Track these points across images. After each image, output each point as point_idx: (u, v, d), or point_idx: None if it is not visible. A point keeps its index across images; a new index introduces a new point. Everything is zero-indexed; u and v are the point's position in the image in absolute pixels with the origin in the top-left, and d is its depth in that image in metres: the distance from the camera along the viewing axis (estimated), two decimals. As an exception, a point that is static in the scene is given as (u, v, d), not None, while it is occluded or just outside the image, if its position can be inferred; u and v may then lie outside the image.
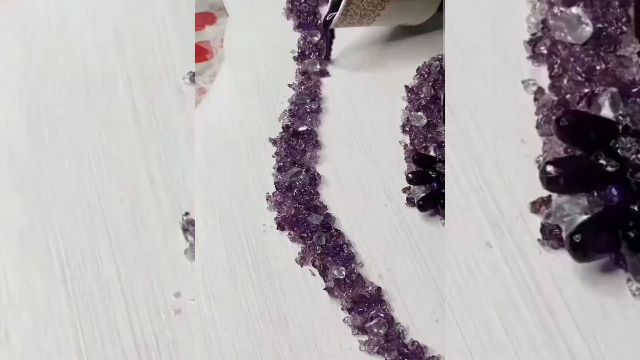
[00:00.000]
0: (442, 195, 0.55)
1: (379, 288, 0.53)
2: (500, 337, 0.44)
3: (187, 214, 0.56)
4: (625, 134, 0.44)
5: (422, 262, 0.55)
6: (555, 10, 0.51)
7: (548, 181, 0.44)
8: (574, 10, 0.49)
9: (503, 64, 0.54)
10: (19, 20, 0.67)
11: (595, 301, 0.44)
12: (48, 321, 0.51)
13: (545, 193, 0.46)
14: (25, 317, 0.51)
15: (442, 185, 0.57)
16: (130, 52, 0.64)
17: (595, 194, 0.44)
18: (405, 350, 0.50)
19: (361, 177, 0.61)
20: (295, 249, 0.57)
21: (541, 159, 0.48)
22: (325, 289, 0.54)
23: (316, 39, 0.72)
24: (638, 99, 0.46)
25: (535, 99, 0.51)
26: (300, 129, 0.65)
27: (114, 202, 0.56)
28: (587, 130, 0.45)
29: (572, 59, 0.49)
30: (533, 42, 0.52)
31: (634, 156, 0.43)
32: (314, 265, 0.56)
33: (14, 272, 0.53)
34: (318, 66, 0.69)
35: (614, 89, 0.46)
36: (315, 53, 0.71)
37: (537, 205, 0.47)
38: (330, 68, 0.71)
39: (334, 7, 0.66)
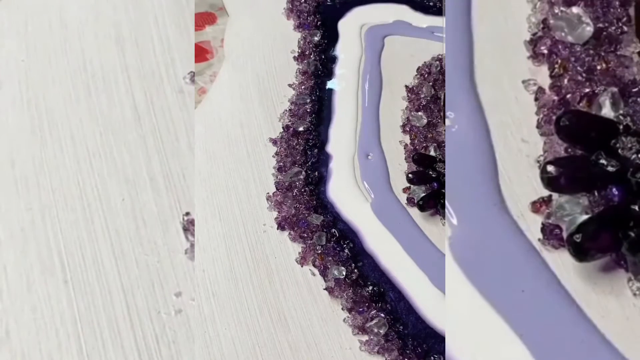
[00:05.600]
0: (442, 195, 0.56)
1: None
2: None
3: (187, 213, 0.56)
4: (625, 133, 0.44)
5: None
6: (556, 10, 0.51)
7: (549, 181, 0.44)
8: (575, 10, 0.50)
9: (503, 64, 0.54)
10: (19, 20, 0.67)
11: (596, 301, 0.44)
12: (49, 320, 0.51)
13: (545, 193, 0.46)
14: (26, 316, 0.51)
15: (442, 185, 0.57)
16: (130, 52, 0.64)
17: (596, 193, 0.44)
18: (406, 350, 0.50)
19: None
20: (296, 248, 0.57)
21: (542, 158, 0.49)
22: (325, 288, 0.54)
23: (316, 38, 0.72)
24: (638, 99, 0.46)
25: (536, 99, 0.51)
26: (300, 129, 0.65)
27: (114, 201, 0.56)
28: (587, 130, 0.45)
29: (572, 59, 0.49)
30: (533, 42, 0.52)
31: (634, 156, 0.43)
32: (314, 265, 0.56)
33: (15, 271, 0.53)
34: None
35: (615, 89, 0.46)
36: (315, 53, 0.71)
37: (537, 205, 0.47)
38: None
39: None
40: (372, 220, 0.58)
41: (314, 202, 0.60)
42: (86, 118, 0.61)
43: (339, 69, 0.71)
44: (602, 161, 0.43)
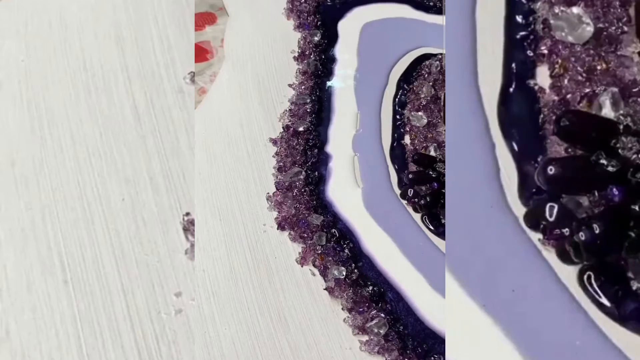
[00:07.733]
0: (442, 195, 0.56)
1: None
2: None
3: (187, 214, 0.56)
4: (626, 133, 0.44)
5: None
6: (556, 9, 0.51)
7: (549, 181, 0.44)
8: (575, 10, 0.50)
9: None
10: (19, 20, 0.67)
11: (596, 301, 0.44)
12: (49, 320, 0.51)
13: (546, 193, 0.46)
14: (26, 316, 0.51)
15: (442, 185, 0.57)
16: (130, 52, 0.64)
17: (596, 193, 0.44)
18: (406, 351, 0.50)
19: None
20: (296, 248, 0.57)
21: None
22: (325, 289, 0.54)
23: (316, 38, 0.72)
24: (639, 99, 0.46)
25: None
26: (300, 129, 0.65)
27: (114, 201, 0.56)
28: (587, 130, 0.45)
29: (572, 59, 0.49)
30: (534, 42, 0.52)
31: (634, 156, 0.43)
32: (314, 265, 0.56)
33: (15, 271, 0.53)
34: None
35: (615, 89, 0.46)
36: (315, 53, 0.71)
37: (537, 205, 0.47)
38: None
39: None
40: (372, 221, 0.58)
41: (314, 202, 0.60)
42: (86, 118, 0.61)
43: (339, 69, 0.71)
44: (602, 161, 0.43)
